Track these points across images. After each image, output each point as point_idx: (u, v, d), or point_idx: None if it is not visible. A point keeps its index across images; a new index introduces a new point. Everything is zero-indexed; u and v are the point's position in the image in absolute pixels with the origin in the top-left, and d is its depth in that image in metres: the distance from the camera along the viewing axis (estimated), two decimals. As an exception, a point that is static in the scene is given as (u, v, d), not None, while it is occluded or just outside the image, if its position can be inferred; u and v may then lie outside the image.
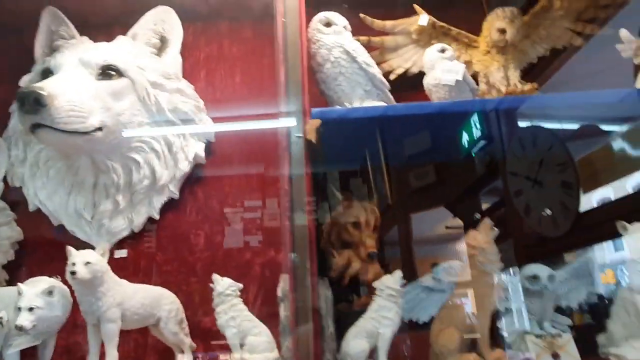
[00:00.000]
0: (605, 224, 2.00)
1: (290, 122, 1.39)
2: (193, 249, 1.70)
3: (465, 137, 2.57)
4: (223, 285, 1.33)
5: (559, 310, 1.53)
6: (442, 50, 1.55)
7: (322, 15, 1.59)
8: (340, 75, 1.51)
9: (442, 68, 1.50)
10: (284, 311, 1.25)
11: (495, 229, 1.31)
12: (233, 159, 1.81)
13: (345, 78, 1.51)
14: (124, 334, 1.32)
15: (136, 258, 1.68)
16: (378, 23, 1.78)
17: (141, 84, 1.65)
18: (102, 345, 1.29)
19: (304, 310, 1.18)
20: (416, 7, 1.79)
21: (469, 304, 1.45)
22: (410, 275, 2.23)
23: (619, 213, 1.97)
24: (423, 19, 1.75)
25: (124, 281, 1.37)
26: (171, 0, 1.89)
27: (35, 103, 1.32)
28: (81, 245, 1.44)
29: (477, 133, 2.52)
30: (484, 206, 2.59)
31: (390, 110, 1.36)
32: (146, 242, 1.70)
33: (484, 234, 1.27)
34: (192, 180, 1.76)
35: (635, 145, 2.56)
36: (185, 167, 1.73)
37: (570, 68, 2.13)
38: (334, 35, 1.54)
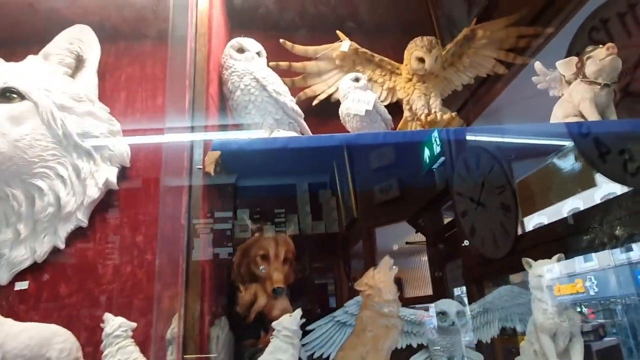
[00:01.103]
0: (542, 247, 2.05)
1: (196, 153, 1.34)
2: (100, 280, 1.62)
3: (426, 153, 2.59)
4: (113, 325, 1.26)
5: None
6: (356, 80, 1.53)
7: (235, 41, 1.55)
8: (250, 104, 1.47)
9: (354, 98, 1.48)
10: (170, 355, 1.19)
11: (395, 267, 1.28)
12: (149, 185, 1.75)
13: (255, 106, 1.47)
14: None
15: (38, 290, 1.59)
16: (299, 48, 1.75)
17: (45, 107, 1.57)
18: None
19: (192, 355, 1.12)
20: (339, 33, 1.77)
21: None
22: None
23: (554, 236, 2.02)
24: (345, 45, 1.73)
25: (9, 320, 1.28)
26: (91, 18, 1.83)
27: None
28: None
29: (437, 149, 2.54)
30: (446, 220, 2.60)
31: (292, 142, 1.32)
32: (50, 273, 1.61)
33: (383, 273, 1.24)
34: (102, 208, 1.69)
35: (570, 168, 2.60)
36: (94, 193, 1.66)
37: (508, 95, 2.16)
38: (245, 62, 1.51)
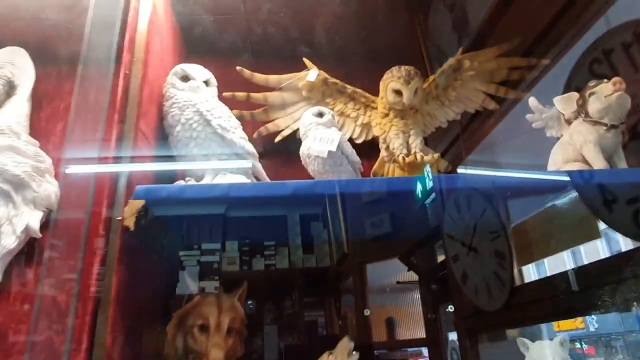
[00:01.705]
0: (542, 303, 1.78)
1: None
2: (10, 349, 1.34)
3: (419, 188, 2.44)
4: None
5: None
6: (319, 114, 1.30)
7: (179, 67, 1.33)
8: (191, 141, 1.24)
9: (315, 136, 1.24)
10: None
11: (355, 353, 1.01)
12: (78, 233, 1.48)
13: (198, 144, 1.23)
14: None
15: None
16: (259, 77, 1.53)
17: (-48, 142, 1.33)
18: None
19: None
20: (306, 60, 1.55)
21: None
22: (364, 324, 1.96)
23: (555, 292, 1.77)
24: (312, 74, 1.51)
25: None
26: (26, 40, 1.61)
27: None
28: None
29: (429, 184, 2.38)
30: (440, 259, 2.41)
31: (233, 190, 1.08)
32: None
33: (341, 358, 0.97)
34: (20, 260, 1.42)
35: (569, 217, 2.37)
36: (11, 243, 1.38)
37: (502, 131, 1.97)
38: (188, 92, 1.28)
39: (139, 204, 1.04)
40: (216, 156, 1.23)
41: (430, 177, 2.45)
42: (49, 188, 1.48)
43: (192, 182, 1.16)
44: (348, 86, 1.57)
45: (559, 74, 1.68)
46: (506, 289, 1.96)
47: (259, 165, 1.32)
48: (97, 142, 1.21)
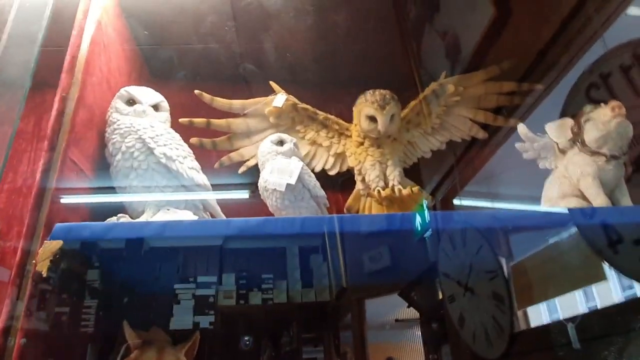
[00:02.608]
0: (546, 352, 1.66)
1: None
2: None
3: (418, 220, 2.33)
4: None
5: None
6: (280, 142, 1.15)
7: (125, 90, 1.19)
8: (132, 172, 1.09)
9: (273, 167, 1.09)
10: None
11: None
12: None
13: (138, 175, 1.08)
14: None
15: None
16: (221, 102, 1.39)
17: None
18: None
19: None
20: (273, 84, 1.41)
21: None
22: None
23: (560, 340, 1.59)
24: (279, 100, 1.37)
25: None
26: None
27: None
28: None
29: (428, 217, 2.27)
30: (441, 295, 2.24)
31: (169, 229, 0.91)
32: None
33: None
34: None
35: (571, 257, 2.19)
36: None
37: (498, 161, 1.83)
38: (132, 117, 1.14)
39: (56, 245, 0.88)
40: (159, 189, 1.07)
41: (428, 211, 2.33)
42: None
43: (125, 219, 1.00)
44: (320, 112, 1.43)
45: (556, 101, 1.54)
46: (505, 335, 1.80)
47: (212, 200, 1.16)
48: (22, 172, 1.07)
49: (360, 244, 2.18)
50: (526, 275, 2.32)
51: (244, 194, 1.46)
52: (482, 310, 1.96)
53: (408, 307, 2.35)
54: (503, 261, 1.95)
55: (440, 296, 2.28)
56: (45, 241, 0.92)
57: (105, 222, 0.97)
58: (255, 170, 1.25)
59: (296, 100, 1.41)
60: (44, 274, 0.87)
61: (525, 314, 1.96)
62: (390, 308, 2.52)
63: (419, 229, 2.36)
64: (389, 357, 2.47)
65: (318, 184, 1.14)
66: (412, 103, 1.48)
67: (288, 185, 1.04)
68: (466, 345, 1.99)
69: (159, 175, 1.07)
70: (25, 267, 0.92)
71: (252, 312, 1.89)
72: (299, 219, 0.98)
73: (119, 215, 1.01)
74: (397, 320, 2.56)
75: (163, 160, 1.07)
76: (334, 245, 2.06)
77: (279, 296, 1.87)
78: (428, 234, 2.33)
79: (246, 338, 1.53)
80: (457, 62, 1.97)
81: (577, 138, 1.15)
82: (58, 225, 0.92)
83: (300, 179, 1.06)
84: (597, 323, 1.47)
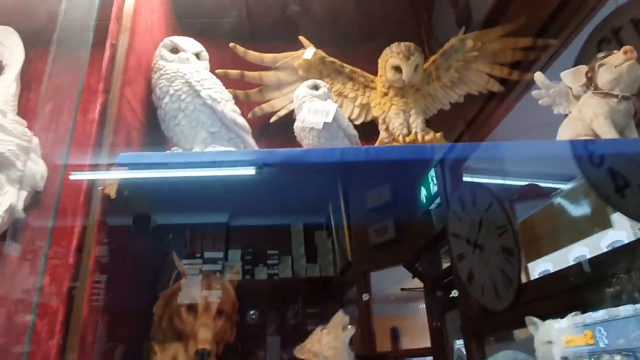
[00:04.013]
0: (551, 299, 1.69)
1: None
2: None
3: (423, 193, 2.40)
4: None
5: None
6: (315, 87, 1.24)
7: (169, 39, 1.28)
8: (180, 112, 1.18)
9: (310, 108, 1.18)
10: None
11: (351, 327, 0.93)
12: (65, 215, 1.42)
13: (186, 116, 1.17)
14: None
15: None
16: (254, 55, 1.47)
17: None
18: None
19: None
20: (302, 38, 1.50)
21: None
22: (369, 334, 1.89)
23: (565, 287, 1.69)
24: (308, 52, 1.46)
25: None
26: (19, 19, 1.57)
27: None
28: None
29: (434, 189, 2.35)
30: (445, 265, 2.37)
31: (220, 157, 1.01)
32: None
33: (333, 335, 0.90)
34: (3, 241, 1.36)
35: (577, 207, 2.29)
36: (-7, 223, 1.33)
37: (513, 119, 1.90)
38: (177, 64, 1.22)
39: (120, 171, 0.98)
40: (205, 129, 1.17)
41: (435, 181, 2.41)
42: (35, 168, 1.43)
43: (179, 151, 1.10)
44: (346, 65, 1.52)
45: (569, 58, 1.62)
46: (513, 287, 1.88)
47: (252, 141, 1.26)
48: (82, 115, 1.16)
49: (365, 218, 2.28)
50: (534, 229, 2.43)
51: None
52: (491, 265, 2.05)
53: (413, 277, 2.45)
54: (512, 217, 2.02)
55: (444, 266, 2.38)
56: (111, 168, 1.01)
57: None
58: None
59: (324, 54, 1.50)
60: (112, 196, 0.97)
61: (526, 270, 2.06)
62: (395, 280, 2.61)
63: (425, 201, 2.45)
64: (393, 327, 2.58)
65: (351, 124, 1.23)
66: (433, 57, 1.56)
67: (325, 124, 1.13)
68: (474, 301, 2.08)
69: (204, 116, 1.17)
70: (92, 192, 1.02)
71: (258, 286, 1.94)
72: (338, 149, 1.08)
73: (173, 148, 1.11)
74: (402, 289, 2.67)
75: (209, 102, 1.16)
76: (339, 219, 2.14)
77: (284, 271, 1.91)
78: (433, 206, 2.42)
79: (252, 312, 1.57)
80: (468, 30, 2.04)
81: (590, 83, 1.23)
82: (122, 154, 1.02)
83: (335, 118, 1.15)
84: (603, 263, 1.56)
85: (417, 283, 2.41)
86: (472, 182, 2.22)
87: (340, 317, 0.94)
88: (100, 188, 0.99)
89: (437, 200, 2.40)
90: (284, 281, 1.93)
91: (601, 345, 1.19)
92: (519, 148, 1.23)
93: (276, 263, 1.90)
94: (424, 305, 2.35)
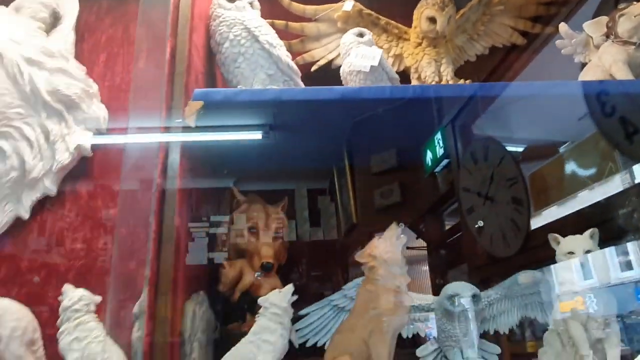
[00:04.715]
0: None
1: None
2: (68, 255, 1.44)
3: (429, 156, 2.45)
4: (72, 297, 1.08)
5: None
6: (360, 35, 1.37)
7: (225, -11, 1.38)
8: (239, 56, 1.31)
9: (357, 53, 1.31)
10: (137, 331, 1.00)
11: (404, 236, 1.10)
12: (125, 152, 1.57)
13: (245, 59, 1.30)
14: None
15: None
16: (297, 6, 1.58)
17: (11, 59, 1.40)
18: None
19: (161, 331, 0.93)
20: (342, -9, 1.60)
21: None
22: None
23: (573, 230, 1.83)
24: (348, 4, 1.57)
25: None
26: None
27: None
28: None
29: (440, 151, 2.42)
30: (448, 226, 2.49)
31: (285, 94, 1.15)
32: (11, 246, 1.42)
33: (389, 242, 1.06)
34: (74, 175, 1.51)
35: (583, 160, 2.43)
36: (65, 159, 1.48)
37: (535, 70, 2.00)
38: (235, 11, 1.34)
39: (198, 104, 1.11)
40: (264, 71, 1.29)
41: (441, 144, 2.49)
42: (98, 111, 1.56)
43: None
44: (382, 17, 1.63)
45: (588, 11, 1.70)
46: (522, 234, 2.01)
47: (301, 83, 1.39)
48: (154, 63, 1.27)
49: (371, 182, 2.32)
50: (543, 179, 2.56)
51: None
52: (500, 215, 2.17)
53: (417, 238, 2.57)
54: (522, 169, 2.13)
55: (447, 227, 2.50)
56: (189, 102, 1.15)
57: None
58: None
59: (362, 7, 1.61)
60: (193, 125, 1.11)
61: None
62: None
63: (430, 164, 2.54)
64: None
65: (392, 69, 1.36)
66: (462, 11, 1.67)
67: (372, 67, 1.26)
68: (482, 251, 2.22)
69: (262, 59, 1.29)
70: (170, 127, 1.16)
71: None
72: (388, 87, 1.21)
73: (239, 86, 1.24)
74: (408, 248, 2.78)
75: (266, 46, 1.29)
76: (344, 183, 2.20)
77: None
78: (439, 168, 2.50)
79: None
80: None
81: (610, 32, 1.36)
82: (196, 90, 1.15)
83: (380, 62, 1.28)
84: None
85: (421, 243, 2.52)
86: (484, 138, 2.32)
87: (394, 228, 1.09)
88: (179, 120, 1.12)
89: (443, 163, 2.47)
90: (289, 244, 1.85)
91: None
92: (542, 88, 1.35)
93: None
94: (427, 267, 2.44)
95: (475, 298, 1.23)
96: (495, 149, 2.19)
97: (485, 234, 2.22)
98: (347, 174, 2.18)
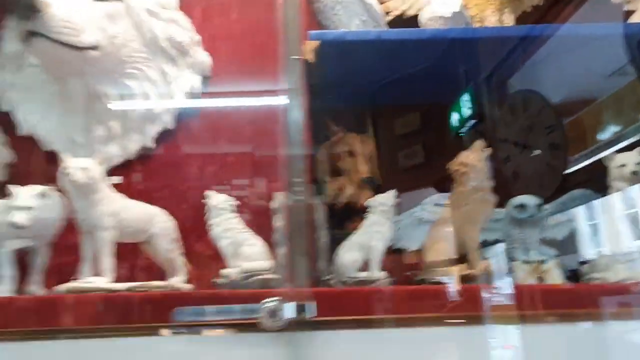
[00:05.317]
0: (591, 183, 1.94)
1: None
2: (186, 178, 1.71)
3: (455, 117, 2.57)
4: (217, 199, 1.35)
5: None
6: (439, -15, 1.58)
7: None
8: (337, 4, 1.53)
9: (438, 0, 1.53)
10: (278, 222, 1.27)
11: (487, 149, 1.35)
12: (228, 94, 1.82)
13: (343, 7, 1.52)
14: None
15: (129, 185, 1.67)
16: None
17: (137, 9, 1.63)
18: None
19: (299, 219, 1.19)
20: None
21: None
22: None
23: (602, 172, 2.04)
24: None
25: (119, 195, 1.37)
26: None
27: (29, 7, 1.30)
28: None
29: (466, 112, 2.52)
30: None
31: (384, 34, 1.38)
32: (139, 170, 1.69)
33: (477, 154, 1.31)
34: (186, 112, 1.76)
35: (620, 108, 2.59)
36: (179, 97, 1.73)
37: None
38: (334, -38, 1.55)
39: (314, 44, 1.35)
40: (358, 17, 1.52)
41: (469, 106, 2.61)
42: (203, 57, 1.80)
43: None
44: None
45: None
46: (558, 176, 2.21)
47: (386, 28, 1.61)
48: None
49: (394, 144, 2.41)
50: (581, 125, 2.72)
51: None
52: (537, 161, 2.35)
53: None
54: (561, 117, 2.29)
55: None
56: (305, 41, 1.38)
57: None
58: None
59: (432, -39, 1.80)
60: (312, 60, 1.34)
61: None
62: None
63: (456, 125, 2.66)
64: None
65: (469, 15, 1.58)
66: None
67: (453, 12, 1.49)
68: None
69: (356, 6, 1.52)
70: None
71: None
72: (471, 28, 1.43)
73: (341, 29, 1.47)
74: (436, 205, 2.96)
75: (362, -5, 1.51)
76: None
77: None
78: (465, 129, 2.62)
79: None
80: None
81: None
82: (312, 32, 1.38)
83: (460, 9, 1.50)
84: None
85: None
86: (524, 90, 2.47)
87: (479, 143, 1.34)
88: (297, 57, 1.35)
89: (470, 124, 2.60)
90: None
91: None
92: (586, 29, 1.52)
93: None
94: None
95: (538, 207, 1.47)
96: (536, 100, 2.36)
97: (520, 181, 2.40)
98: (371, 135, 2.21)
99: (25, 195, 1.19)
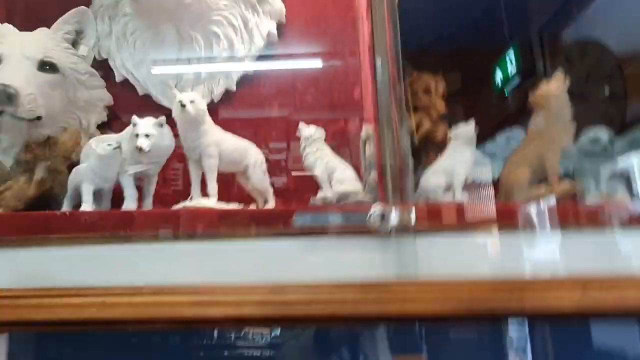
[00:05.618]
0: None
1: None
2: (269, 117, 1.83)
3: (499, 75, 2.53)
4: (309, 131, 1.46)
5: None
6: None
7: None
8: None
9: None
10: (368, 150, 1.38)
11: (566, 81, 1.41)
12: (303, 40, 1.91)
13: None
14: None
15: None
16: None
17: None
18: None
19: (389, 144, 1.29)
20: None
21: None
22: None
23: None
24: None
25: (219, 128, 1.50)
26: None
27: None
28: (167, 111, 1.53)
29: (512, 70, 2.47)
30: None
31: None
32: (225, 111, 1.82)
33: (558, 84, 1.37)
34: (265, 57, 1.87)
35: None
36: (259, 43, 1.83)
37: None
38: None
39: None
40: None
41: (513, 62, 2.56)
42: (279, 4, 1.89)
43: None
44: None
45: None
46: (616, 125, 2.21)
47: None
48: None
49: None
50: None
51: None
52: (593, 111, 2.35)
53: None
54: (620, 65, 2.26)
55: None
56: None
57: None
58: None
59: None
60: None
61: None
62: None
63: (500, 84, 2.62)
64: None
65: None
66: None
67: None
68: None
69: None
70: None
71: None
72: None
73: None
74: None
75: None
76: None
77: None
78: (510, 87, 2.58)
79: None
80: None
81: None
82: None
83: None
84: None
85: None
86: (581, 41, 2.45)
87: (560, 74, 1.41)
88: None
89: (515, 81, 2.57)
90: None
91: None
92: None
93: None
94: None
95: (611, 142, 1.53)
96: (594, 48, 2.34)
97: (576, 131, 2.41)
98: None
99: (146, 124, 1.33)
